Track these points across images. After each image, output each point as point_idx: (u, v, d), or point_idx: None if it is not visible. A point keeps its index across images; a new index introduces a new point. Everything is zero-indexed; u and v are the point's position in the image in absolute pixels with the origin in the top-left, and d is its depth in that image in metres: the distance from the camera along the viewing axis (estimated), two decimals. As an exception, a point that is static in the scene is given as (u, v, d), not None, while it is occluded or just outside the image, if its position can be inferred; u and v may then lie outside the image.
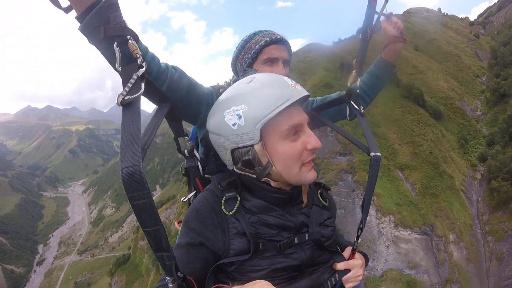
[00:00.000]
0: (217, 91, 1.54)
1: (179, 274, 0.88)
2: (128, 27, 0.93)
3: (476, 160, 39.74)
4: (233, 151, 1.11)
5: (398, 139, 36.98)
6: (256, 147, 1.07)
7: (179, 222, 1.44)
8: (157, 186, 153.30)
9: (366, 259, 1.38)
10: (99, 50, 1.12)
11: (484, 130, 46.14)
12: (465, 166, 38.43)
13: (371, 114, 37.09)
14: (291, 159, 1.09)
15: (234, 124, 1.06)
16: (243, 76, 1.23)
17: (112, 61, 1.08)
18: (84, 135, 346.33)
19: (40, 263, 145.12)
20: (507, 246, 29.45)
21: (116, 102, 0.80)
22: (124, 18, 0.93)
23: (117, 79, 0.85)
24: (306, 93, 1.12)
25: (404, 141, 37.18)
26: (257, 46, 1.70)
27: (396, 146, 36.03)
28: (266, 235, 1.10)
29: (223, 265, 1.10)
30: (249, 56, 1.72)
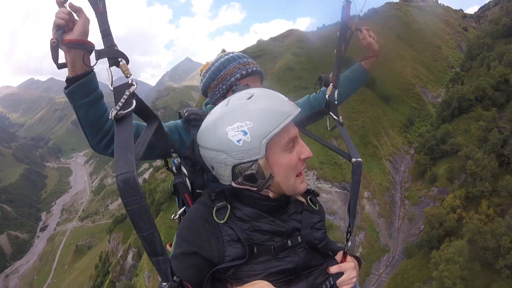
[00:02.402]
0: (183, 115, 1.63)
1: (175, 278, 0.90)
2: (119, 50, 1.04)
3: (415, 138, 47.50)
4: (234, 166, 1.15)
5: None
6: (261, 161, 1.12)
7: (170, 245, 1.55)
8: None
9: (359, 262, 1.43)
10: (80, 111, 1.27)
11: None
12: (402, 142, 46.43)
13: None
14: (289, 169, 1.18)
15: (239, 141, 1.09)
16: (235, 91, 1.27)
17: (94, 123, 1.32)
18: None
19: (43, 229, 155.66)
20: (418, 209, 37.64)
21: (110, 116, 0.89)
22: (115, 42, 1.04)
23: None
24: (299, 109, 1.20)
25: (343, 116, 44.18)
26: (232, 79, 1.71)
27: (335, 121, 44.10)
28: (259, 241, 1.16)
29: (219, 273, 1.13)
30: (224, 87, 1.73)
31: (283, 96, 1.22)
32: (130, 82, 0.96)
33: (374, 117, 46.01)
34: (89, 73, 1.23)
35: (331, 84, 1.61)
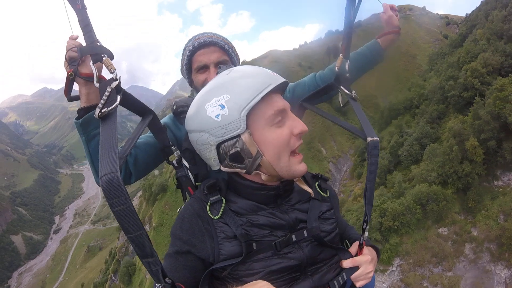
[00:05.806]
0: (172, 109, 1.65)
1: (167, 280, 0.88)
2: (101, 46, 1.06)
3: (361, 143, 58.68)
4: (218, 146, 1.09)
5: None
6: (244, 137, 1.05)
7: None
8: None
9: (378, 253, 1.35)
10: (92, 141, 1.37)
11: (393, 122, 63.21)
12: (349, 146, 58.07)
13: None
14: (280, 146, 1.09)
15: (217, 116, 1.05)
16: (219, 73, 1.24)
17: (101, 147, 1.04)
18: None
19: (56, 231, 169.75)
20: (349, 199, 47.39)
21: (95, 115, 0.87)
22: (97, 38, 1.06)
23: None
24: (284, 79, 1.14)
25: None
26: (188, 53, 1.69)
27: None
28: (258, 236, 1.09)
29: (216, 271, 1.09)
30: (184, 64, 1.74)
31: (266, 69, 1.17)
32: (114, 77, 0.95)
33: (323, 127, 57.16)
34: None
35: (341, 55, 1.37)
